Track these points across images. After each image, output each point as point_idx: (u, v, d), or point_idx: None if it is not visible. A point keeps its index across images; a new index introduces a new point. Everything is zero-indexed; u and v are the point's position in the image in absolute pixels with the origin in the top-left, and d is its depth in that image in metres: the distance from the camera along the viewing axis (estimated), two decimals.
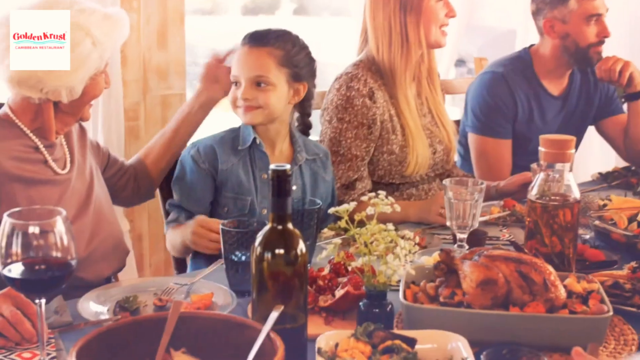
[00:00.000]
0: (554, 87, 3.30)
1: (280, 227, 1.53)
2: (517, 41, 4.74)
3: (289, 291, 1.54)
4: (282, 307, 1.50)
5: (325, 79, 2.93)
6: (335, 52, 4.55)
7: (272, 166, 1.51)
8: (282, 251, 1.52)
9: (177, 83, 3.40)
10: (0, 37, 2.02)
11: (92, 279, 2.15)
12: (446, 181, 2.17)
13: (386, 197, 1.69)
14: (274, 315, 1.48)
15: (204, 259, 2.42)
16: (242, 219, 2.13)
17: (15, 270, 1.48)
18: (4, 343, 1.69)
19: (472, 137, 3.28)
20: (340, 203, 2.67)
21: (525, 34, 4.53)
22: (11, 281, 1.49)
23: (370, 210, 1.68)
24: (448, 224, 2.20)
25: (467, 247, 2.16)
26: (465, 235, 2.17)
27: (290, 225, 1.54)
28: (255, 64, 2.43)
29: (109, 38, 2.10)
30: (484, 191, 2.16)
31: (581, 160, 4.09)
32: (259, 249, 1.53)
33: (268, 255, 1.52)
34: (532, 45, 3.35)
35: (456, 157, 3.28)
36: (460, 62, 5.40)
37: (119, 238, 2.35)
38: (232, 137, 2.52)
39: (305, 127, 2.66)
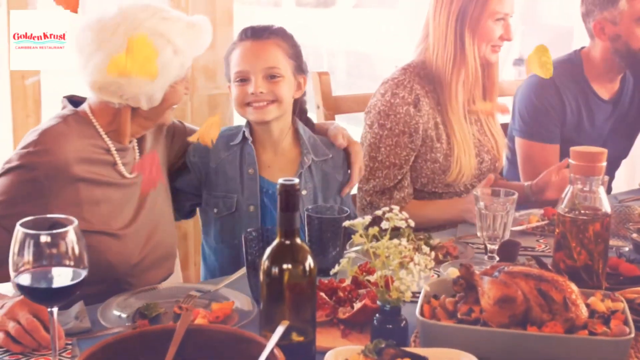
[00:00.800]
0: (605, 90, 3.21)
1: (288, 242, 1.52)
2: (574, 41, 4.63)
3: (297, 306, 1.52)
4: (287, 323, 1.48)
5: (381, 75, 2.89)
6: (393, 45, 4.50)
7: (280, 180, 1.49)
8: (290, 266, 1.51)
9: (224, 83, 3.38)
10: (86, 41, 2.03)
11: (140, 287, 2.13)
12: (477, 191, 2.13)
13: (400, 211, 1.65)
14: (279, 331, 1.47)
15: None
16: (265, 226, 2.12)
17: (27, 278, 1.49)
18: (21, 349, 1.71)
19: (519, 141, 3.21)
20: (376, 209, 2.65)
21: (583, 34, 4.41)
22: (23, 289, 1.51)
23: (385, 224, 1.65)
24: (479, 234, 2.15)
25: (497, 258, 2.12)
26: (495, 247, 2.13)
27: (298, 240, 1.52)
28: (265, 56, 2.36)
29: (191, 46, 2.11)
30: (515, 202, 2.12)
31: (635, 167, 3.98)
32: (266, 263, 1.52)
33: (276, 270, 1.51)
34: (582, 48, 3.26)
35: (504, 162, 3.21)
36: (519, 61, 5.33)
37: (172, 246, 2.36)
38: (230, 133, 2.48)
39: (307, 125, 2.56)
